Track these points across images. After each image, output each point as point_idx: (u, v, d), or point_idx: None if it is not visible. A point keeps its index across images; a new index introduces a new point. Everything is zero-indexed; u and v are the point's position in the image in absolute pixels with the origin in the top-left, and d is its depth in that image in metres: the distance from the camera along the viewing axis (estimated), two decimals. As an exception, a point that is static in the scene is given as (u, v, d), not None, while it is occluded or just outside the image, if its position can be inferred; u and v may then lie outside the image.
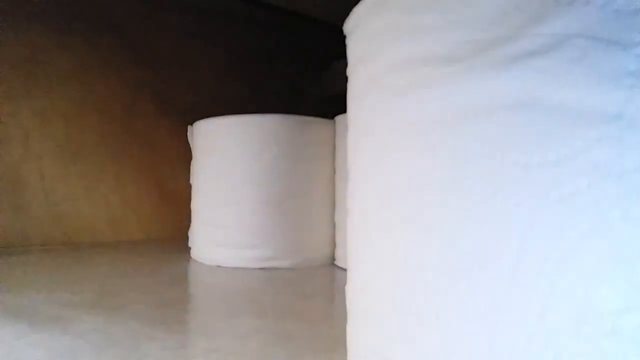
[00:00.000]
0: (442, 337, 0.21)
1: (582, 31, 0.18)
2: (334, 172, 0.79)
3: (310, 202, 0.76)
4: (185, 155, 0.93)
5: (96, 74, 1.00)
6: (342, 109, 0.75)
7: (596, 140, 0.17)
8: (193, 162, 0.85)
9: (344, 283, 0.30)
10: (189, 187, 0.87)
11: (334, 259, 0.79)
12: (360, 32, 0.28)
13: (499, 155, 0.19)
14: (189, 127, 0.86)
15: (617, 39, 0.17)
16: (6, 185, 0.89)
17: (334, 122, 0.79)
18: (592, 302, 0.17)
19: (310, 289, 0.60)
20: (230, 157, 0.75)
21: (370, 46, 0.26)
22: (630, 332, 0.16)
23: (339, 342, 0.36)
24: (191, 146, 0.86)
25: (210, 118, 0.79)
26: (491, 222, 0.19)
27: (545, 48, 0.18)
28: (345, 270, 0.63)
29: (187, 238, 0.87)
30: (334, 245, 0.79)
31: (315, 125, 0.77)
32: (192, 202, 0.85)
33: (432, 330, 0.21)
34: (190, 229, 0.85)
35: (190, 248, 0.84)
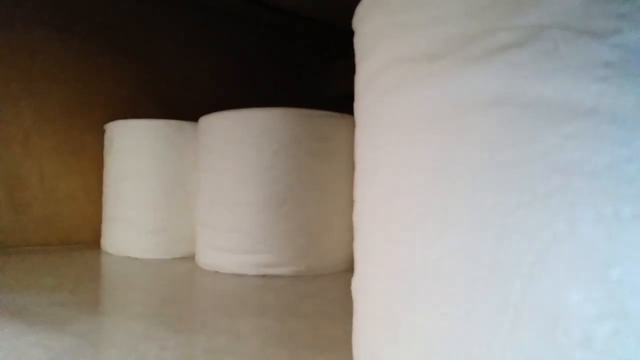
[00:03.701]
0: (422, 343, 0.20)
1: (555, 22, 0.17)
2: (345, 172, 0.73)
3: (318, 203, 0.71)
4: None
5: (96, 74, 1.00)
6: (341, 109, 0.75)
7: (570, 136, 0.16)
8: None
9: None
10: (189, 187, 0.87)
11: (351, 264, 0.71)
12: (359, 32, 0.28)
13: (476, 154, 0.19)
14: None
15: (591, 29, 0.16)
16: (6, 185, 0.89)
17: (346, 117, 0.73)
18: (564, 308, 0.16)
19: (316, 299, 0.60)
20: (228, 156, 0.71)
21: (367, 45, 0.26)
22: (602, 341, 0.15)
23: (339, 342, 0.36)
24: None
25: (208, 114, 0.76)
26: (467, 223, 0.19)
27: (520, 41, 0.18)
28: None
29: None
30: (345, 250, 0.73)
31: (326, 120, 0.72)
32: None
33: (415, 334, 0.21)
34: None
35: (190, 248, 0.84)
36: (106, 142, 0.89)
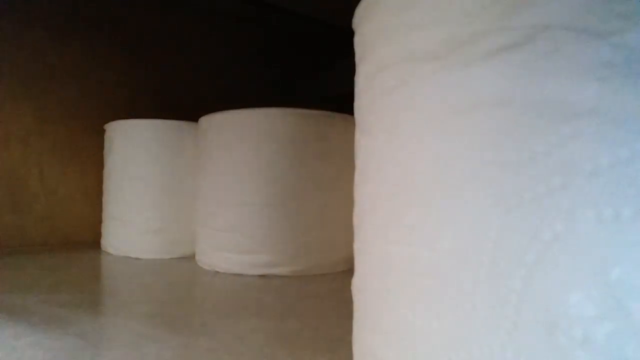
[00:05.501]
0: (422, 343, 0.20)
1: (555, 21, 0.17)
2: (344, 172, 0.72)
3: (318, 203, 0.70)
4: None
5: (96, 74, 1.00)
6: (341, 109, 0.74)
7: (570, 136, 0.16)
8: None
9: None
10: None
11: (351, 264, 0.71)
12: (359, 32, 0.28)
13: (477, 154, 0.19)
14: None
15: (592, 28, 0.16)
16: (6, 185, 0.89)
17: (346, 117, 0.73)
18: (564, 308, 0.16)
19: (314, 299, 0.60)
20: (227, 156, 0.71)
21: (365, 46, 0.26)
22: (602, 342, 0.15)
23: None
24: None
25: (207, 115, 0.76)
26: (469, 223, 0.19)
27: (520, 41, 0.17)
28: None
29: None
30: (345, 250, 0.72)
31: (326, 120, 0.72)
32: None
33: (414, 334, 0.21)
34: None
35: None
36: (106, 142, 0.89)
